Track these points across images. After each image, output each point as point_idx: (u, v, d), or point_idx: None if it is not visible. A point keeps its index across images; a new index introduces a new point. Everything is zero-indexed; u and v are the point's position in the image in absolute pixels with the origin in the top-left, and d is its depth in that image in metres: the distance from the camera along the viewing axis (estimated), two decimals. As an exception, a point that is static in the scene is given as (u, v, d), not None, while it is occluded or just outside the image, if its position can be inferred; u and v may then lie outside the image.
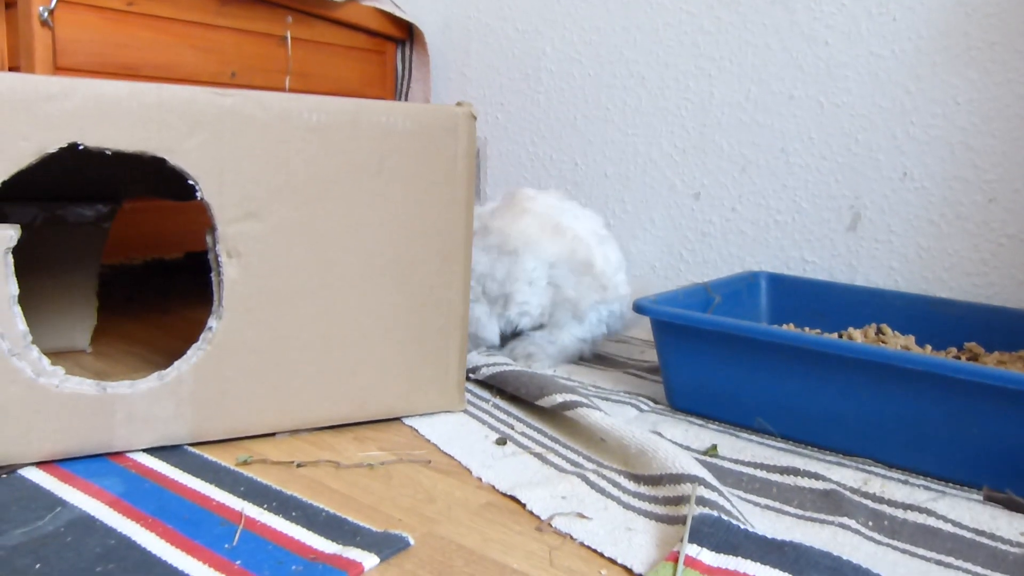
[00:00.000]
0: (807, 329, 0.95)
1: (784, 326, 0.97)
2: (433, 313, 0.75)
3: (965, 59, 0.94)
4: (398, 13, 1.32)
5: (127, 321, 1.07)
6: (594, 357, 1.01)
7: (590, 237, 0.94)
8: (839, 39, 1.01)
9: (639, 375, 0.94)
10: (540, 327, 0.95)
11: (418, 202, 0.73)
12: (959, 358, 0.86)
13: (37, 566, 0.50)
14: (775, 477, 0.67)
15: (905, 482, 0.67)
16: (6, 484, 0.61)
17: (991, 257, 0.95)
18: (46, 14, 0.94)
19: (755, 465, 0.69)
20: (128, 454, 0.66)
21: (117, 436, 0.65)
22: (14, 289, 0.61)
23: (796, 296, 0.99)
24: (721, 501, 0.57)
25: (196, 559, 0.51)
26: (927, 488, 0.66)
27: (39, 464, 0.64)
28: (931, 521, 0.61)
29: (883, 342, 0.89)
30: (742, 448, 0.73)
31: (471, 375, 0.87)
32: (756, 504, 0.63)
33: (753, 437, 0.76)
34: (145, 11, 1.02)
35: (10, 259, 0.61)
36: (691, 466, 0.62)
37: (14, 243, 0.62)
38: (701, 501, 0.57)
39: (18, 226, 0.62)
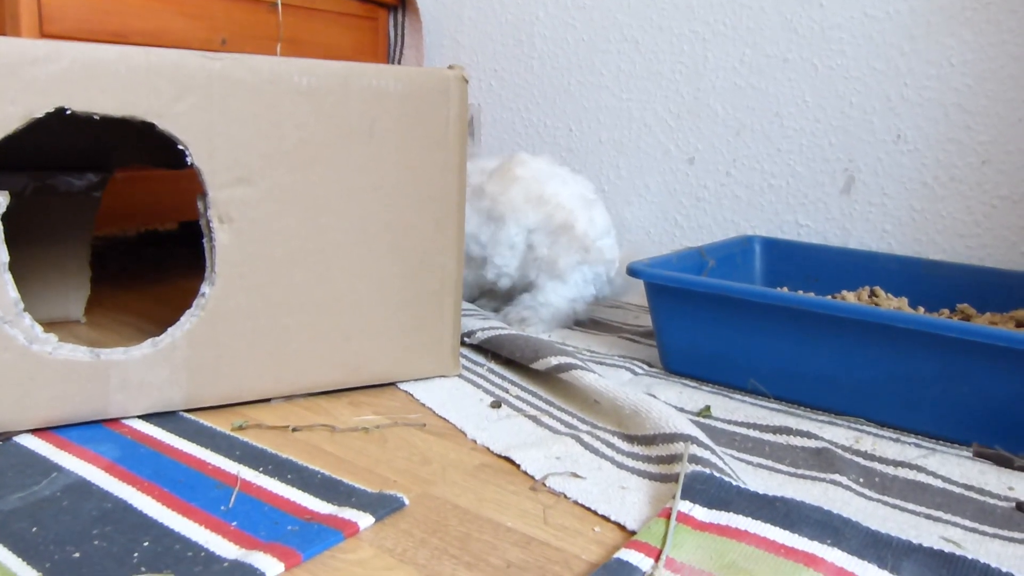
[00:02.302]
0: (801, 292, 0.96)
1: (778, 289, 0.97)
2: (427, 278, 0.75)
3: (960, 19, 0.93)
4: (389, -21, 1.30)
5: (121, 292, 1.07)
6: (589, 322, 1.01)
7: (575, 201, 0.95)
8: (833, 1, 1.00)
9: (633, 339, 0.94)
10: (520, 290, 0.97)
11: (410, 166, 0.72)
12: (952, 319, 0.86)
13: (34, 529, 0.50)
14: (768, 436, 0.68)
15: (896, 440, 0.68)
16: (2, 451, 0.61)
17: (984, 219, 0.95)
18: (31, -21, 0.92)
19: (748, 425, 0.70)
20: (124, 420, 0.66)
21: (112, 402, 0.66)
22: (4, 256, 0.61)
23: (790, 260, 0.99)
24: (713, 459, 0.58)
25: (193, 521, 0.52)
26: (918, 446, 0.67)
27: (35, 431, 0.64)
28: (921, 477, 0.61)
29: (876, 304, 0.89)
30: (735, 409, 0.73)
31: (466, 339, 0.87)
32: (749, 463, 0.63)
33: (746, 398, 0.77)
34: (132, -24, 1.01)
35: (0, 226, 0.61)
36: (684, 426, 0.62)
37: (3, 209, 0.61)
38: (694, 459, 0.57)
39: (7, 192, 0.62)
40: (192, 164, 0.65)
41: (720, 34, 1.09)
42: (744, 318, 0.75)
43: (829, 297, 0.91)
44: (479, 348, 0.87)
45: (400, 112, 0.71)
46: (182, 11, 1.05)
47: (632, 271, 0.79)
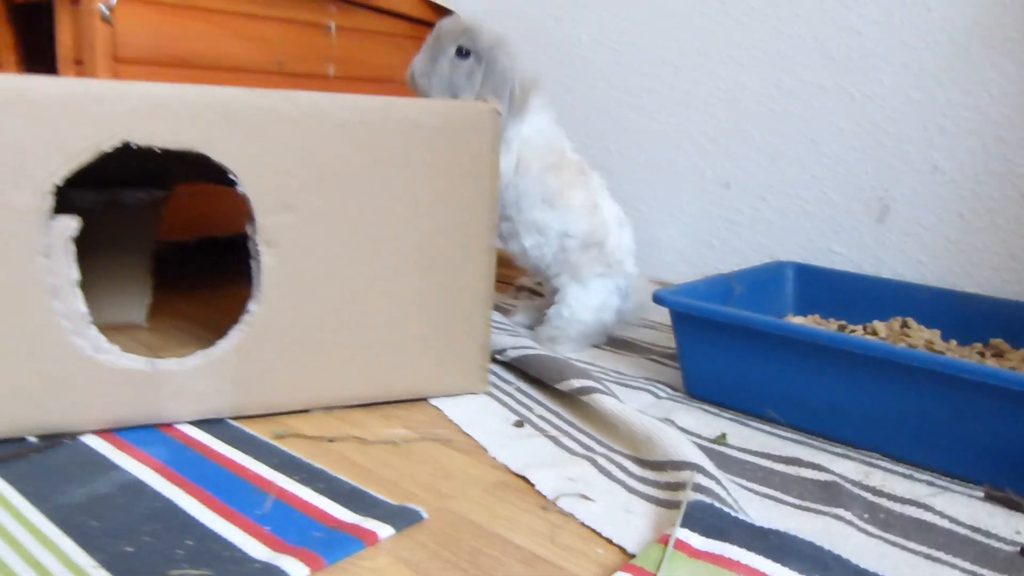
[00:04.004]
0: (832, 320, 0.97)
1: (809, 317, 0.98)
2: (458, 299, 0.79)
3: (1001, 50, 0.93)
4: (437, 0, 1.35)
5: (178, 297, 1.14)
6: (619, 342, 1.04)
7: (613, 220, 0.99)
8: (871, 29, 1.01)
9: (659, 361, 0.97)
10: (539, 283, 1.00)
11: (444, 194, 0.77)
12: (984, 354, 0.87)
13: (94, 523, 0.56)
14: (778, 467, 0.70)
15: (908, 476, 0.69)
16: (68, 449, 0.67)
17: (1020, 252, 0.95)
18: (107, 12, 1.00)
19: (760, 454, 0.72)
20: (175, 425, 0.72)
21: (165, 408, 0.72)
22: (75, 274, 0.68)
23: (822, 287, 1.00)
24: (717, 489, 0.60)
25: (231, 523, 0.57)
26: (929, 483, 0.68)
27: (96, 432, 0.70)
28: (927, 516, 0.63)
29: (908, 336, 0.90)
30: (750, 437, 0.76)
31: (497, 356, 0.91)
32: (756, 492, 0.66)
33: (763, 427, 0.79)
34: (197, 4, 1.08)
35: (72, 247, 0.67)
36: (693, 454, 0.65)
37: (75, 233, 0.68)
38: (698, 488, 0.60)
39: (79, 217, 0.68)
40: (241, 191, 0.70)
41: (757, 60, 1.10)
42: (762, 348, 0.77)
43: (860, 327, 0.93)
44: (508, 365, 0.91)
45: (435, 143, 0.75)
46: (240, 36, 1.12)
47: (657, 299, 0.82)
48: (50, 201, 0.65)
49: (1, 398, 0.66)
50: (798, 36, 1.07)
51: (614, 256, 0.97)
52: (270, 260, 0.72)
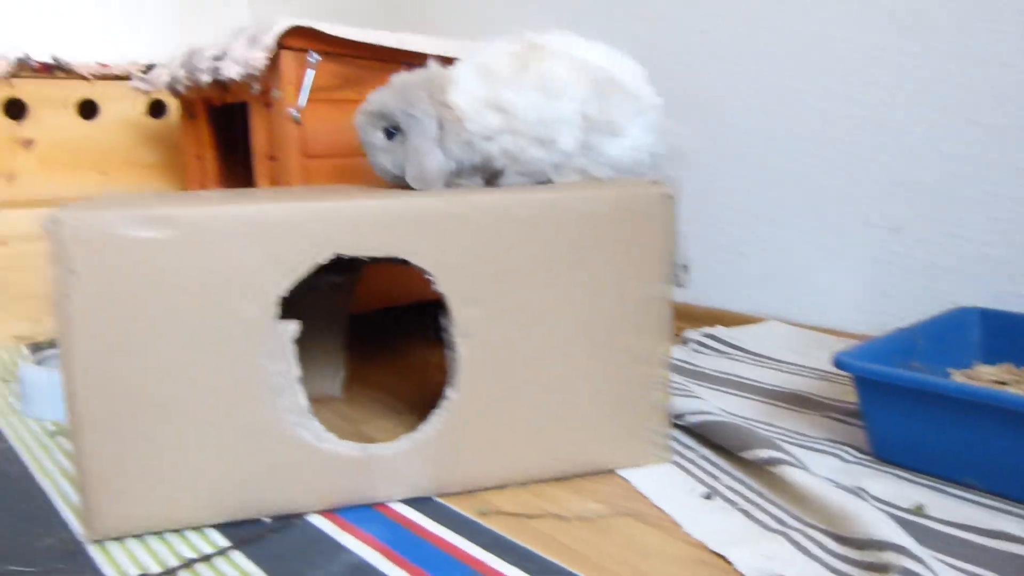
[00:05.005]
0: (1025, 368, 0.93)
1: (1001, 366, 0.94)
2: (636, 372, 0.83)
3: None
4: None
5: (368, 366, 1.23)
6: (794, 399, 1.03)
7: (606, 60, 0.94)
8: (1052, 65, 0.97)
9: (841, 420, 0.95)
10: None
11: (619, 277, 0.80)
12: None
13: (333, 607, 0.63)
14: (985, 541, 0.68)
15: None
16: (299, 529, 0.75)
17: None
18: (296, 114, 1.11)
19: (964, 527, 0.70)
20: (388, 504, 0.79)
21: (378, 489, 0.79)
22: (297, 371, 0.76)
23: (1012, 334, 0.96)
24: (924, 573, 0.60)
25: (454, 607, 0.62)
26: None
27: (320, 511, 0.78)
28: None
29: (1113, 383, 0.85)
30: (951, 508, 0.74)
31: (676, 421, 0.93)
32: (963, 571, 0.64)
33: (963, 494, 0.76)
34: (372, 98, 1.17)
35: (293, 348, 0.76)
36: (894, 533, 0.65)
37: (296, 335, 0.76)
38: (905, 573, 0.60)
39: (299, 321, 0.76)
40: (437, 289, 0.76)
41: (927, 103, 1.07)
42: (957, 413, 0.75)
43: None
44: (688, 430, 0.93)
45: (609, 230, 0.79)
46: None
47: (839, 364, 0.82)
48: (275, 310, 0.74)
49: (239, 484, 0.75)
50: (970, 77, 1.03)
51: (635, 87, 0.93)
52: (465, 350, 0.78)
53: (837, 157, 1.17)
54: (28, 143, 1.72)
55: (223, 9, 2.39)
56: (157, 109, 1.87)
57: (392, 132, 0.91)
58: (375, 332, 1.47)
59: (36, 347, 1.41)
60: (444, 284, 0.76)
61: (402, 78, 0.92)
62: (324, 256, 0.74)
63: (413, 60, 1.19)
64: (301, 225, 0.73)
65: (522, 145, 0.90)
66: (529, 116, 0.89)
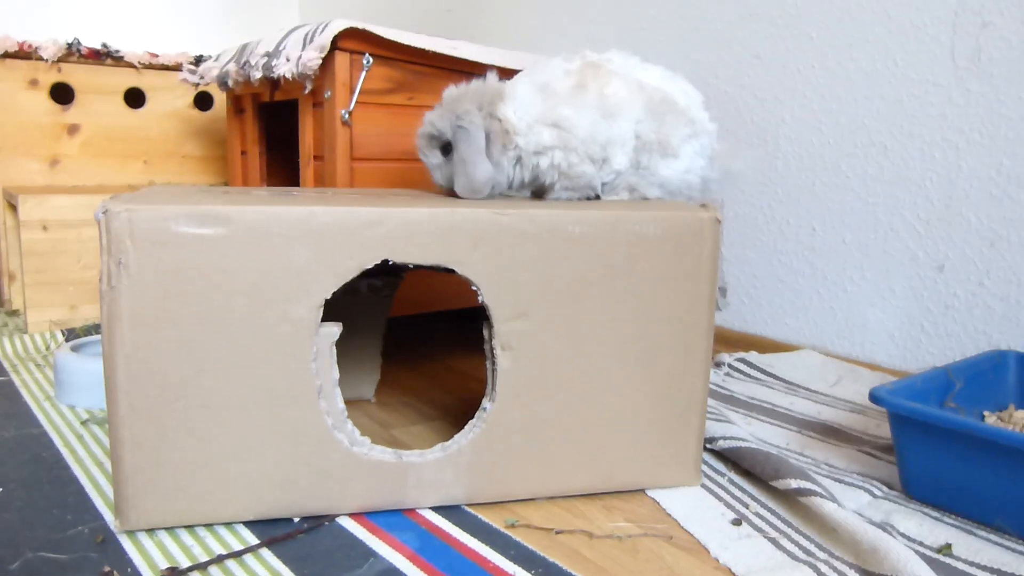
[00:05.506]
0: (1063, 413, 0.92)
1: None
2: (675, 397, 0.83)
3: None
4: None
5: (401, 371, 1.24)
6: (827, 430, 1.03)
7: (662, 82, 0.97)
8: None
9: (873, 454, 0.95)
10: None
11: (665, 299, 0.81)
12: None
13: (364, 610, 0.63)
14: (1018, 588, 0.67)
15: None
16: (329, 531, 0.76)
17: None
18: (346, 115, 1.12)
19: (991, 570, 0.70)
20: (418, 510, 0.80)
21: (409, 496, 0.79)
22: (336, 374, 0.77)
23: (1050, 378, 0.95)
24: (959, 617, 0.60)
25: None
26: None
27: (351, 515, 0.79)
28: None
29: None
30: (978, 550, 0.73)
31: (708, 445, 0.93)
32: (996, 618, 0.64)
33: (991, 536, 0.76)
34: (421, 103, 1.18)
35: (334, 351, 0.76)
36: (923, 571, 0.64)
37: (335, 339, 0.77)
38: (938, 615, 0.59)
39: (340, 324, 0.77)
40: (482, 301, 0.77)
41: (975, 143, 1.07)
42: (990, 455, 0.74)
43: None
44: (719, 454, 0.93)
45: (658, 252, 0.80)
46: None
47: (875, 398, 0.81)
48: (320, 313, 0.75)
49: (273, 483, 0.76)
50: (1020, 119, 1.03)
51: (691, 110, 0.95)
52: (505, 362, 0.78)
53: (888, 192, 1.17)
54: (73, 129, 1.75)
55: (272, 7, 2.42)
56: (203, 102, 1.89)
57: (448, 149, 0.93)
58: (407, 336, 1.48)
59: (71, 333, 1.43)
60: (489, 296, 0.77)
61: (452, 92, 0.94)
62: (372, 261, 0.75)
63: (466, 68, 1.21)
64: (355, 230, 0.74)
65: (573, 161, 0.91)
66: (585, 134, 0.91)
